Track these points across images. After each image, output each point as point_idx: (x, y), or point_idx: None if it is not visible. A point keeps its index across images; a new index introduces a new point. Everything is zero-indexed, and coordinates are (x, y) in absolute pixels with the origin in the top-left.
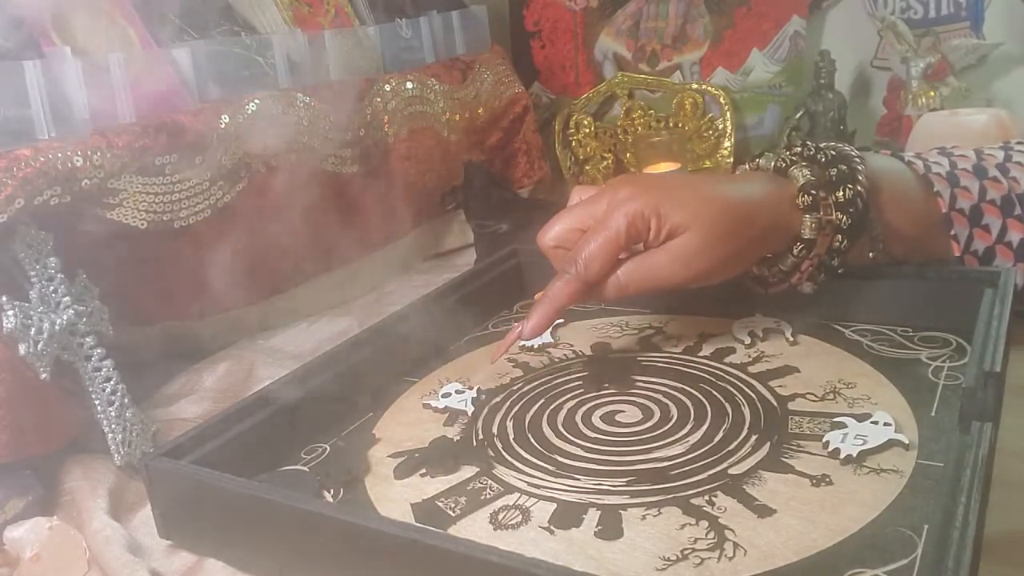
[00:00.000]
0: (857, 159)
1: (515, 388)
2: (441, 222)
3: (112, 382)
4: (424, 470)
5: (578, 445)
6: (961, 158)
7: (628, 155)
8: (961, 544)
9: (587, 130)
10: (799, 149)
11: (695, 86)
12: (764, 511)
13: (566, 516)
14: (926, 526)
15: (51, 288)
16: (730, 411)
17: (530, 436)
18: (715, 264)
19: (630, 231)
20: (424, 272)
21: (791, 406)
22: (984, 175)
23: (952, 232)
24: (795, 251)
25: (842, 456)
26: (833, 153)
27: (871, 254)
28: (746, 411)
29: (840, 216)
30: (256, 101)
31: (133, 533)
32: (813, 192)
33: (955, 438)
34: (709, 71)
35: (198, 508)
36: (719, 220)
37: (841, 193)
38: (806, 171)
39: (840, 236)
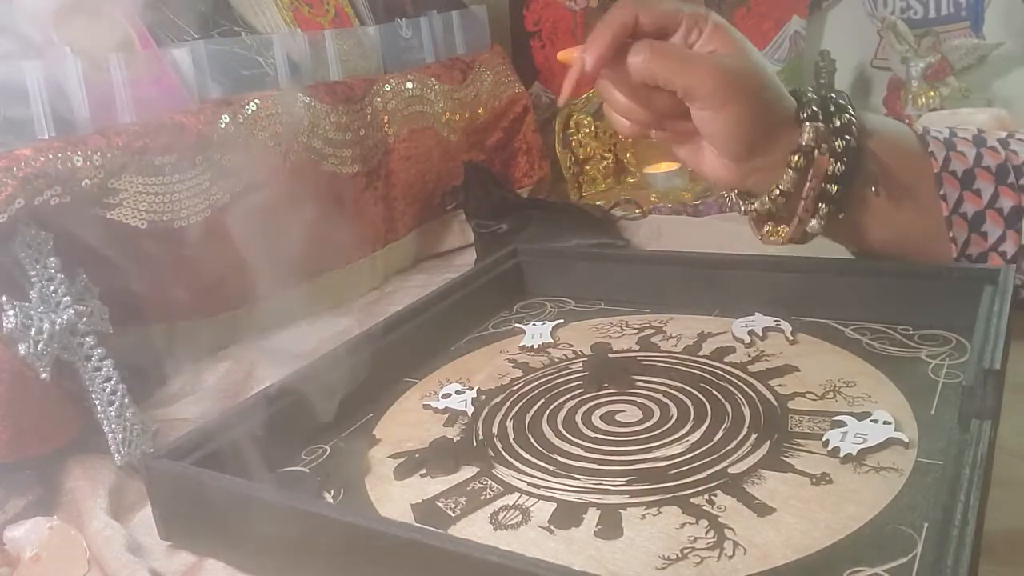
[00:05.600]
0: (848, 102)
1: (515, 388)
2: (441, 222)
3: (112, 382)
4: (424, 470)
5: (578, 445)
6: (962, 130)
7: (628, 155)
8: (961, 542)
9: (587, 130)
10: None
11: None
12: (764, 510)
13: (566, 516)
14: (926, 524)
15: (51, 288)
16: (730, 410)
17: (530, 436)
18: (736, 91)
19: (690, 16)
20: (424, 272)
21: (791, 405)
22: (983, 144)
23: (941, 192)
24: (793, 162)
25: (842, 455)
26: (833, 95)
27: (872, 189)
28: (746, 410)
29: (837, 140)
30: (256, 101)
31: (133, 533)
32: (815, 108)
33: (955, 436)
34: None
35: (198, 508)
36: (757, 67)
37: (837, 120)
38: (811, 94)
39: (835, 160)
